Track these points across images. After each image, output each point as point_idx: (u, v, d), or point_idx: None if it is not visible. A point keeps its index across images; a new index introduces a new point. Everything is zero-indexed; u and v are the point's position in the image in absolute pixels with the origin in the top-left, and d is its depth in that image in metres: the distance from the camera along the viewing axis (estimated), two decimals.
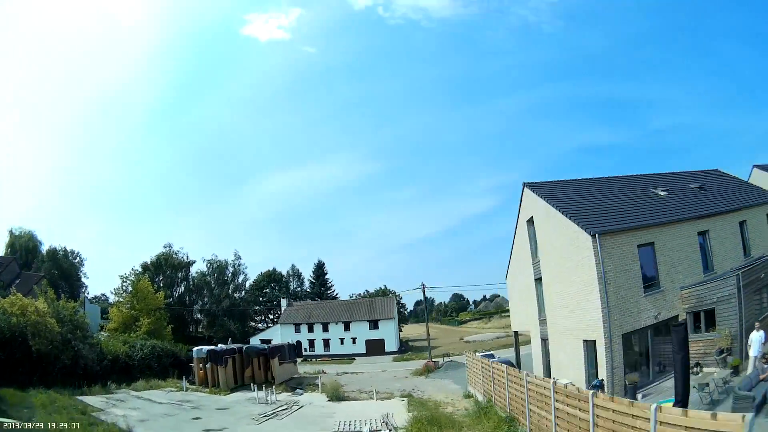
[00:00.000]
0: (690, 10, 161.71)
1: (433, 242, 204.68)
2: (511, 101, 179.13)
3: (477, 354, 27.93)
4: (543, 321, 28.24)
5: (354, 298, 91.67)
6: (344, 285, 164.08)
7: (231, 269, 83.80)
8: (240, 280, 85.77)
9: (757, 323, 17.94)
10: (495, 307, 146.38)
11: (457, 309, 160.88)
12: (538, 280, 28.82)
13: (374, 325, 71.32)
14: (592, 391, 11.24)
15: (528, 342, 45.86)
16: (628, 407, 9.59)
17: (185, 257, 79.51)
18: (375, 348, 68.82)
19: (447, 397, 26.99)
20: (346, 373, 47.18)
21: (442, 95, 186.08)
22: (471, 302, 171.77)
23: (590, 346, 21.80)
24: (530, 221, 29.60)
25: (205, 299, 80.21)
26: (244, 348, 35.62)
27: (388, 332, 71.36)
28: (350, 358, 65.17)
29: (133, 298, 52.14)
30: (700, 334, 21.51)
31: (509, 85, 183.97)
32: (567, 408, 12.18)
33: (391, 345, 70.31)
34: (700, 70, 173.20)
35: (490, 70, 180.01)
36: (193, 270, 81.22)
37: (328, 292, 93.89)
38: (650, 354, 21.64)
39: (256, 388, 27.58)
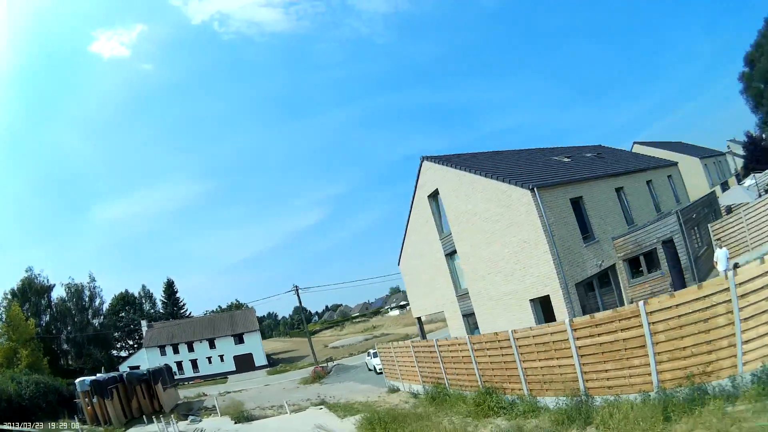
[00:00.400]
0: (529, 14, 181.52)
1: (271, 256, 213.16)
2: (340, 113, 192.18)
3: (409, 341, 26.07)
4: (463, 296, 27.16)
5: (209, 314, 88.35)
6: (194, 304, 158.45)
7: (88, 293, 78.55)
8: (97, 304, 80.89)
9: (718, 241, 19.69)
10: (340, 315, 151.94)
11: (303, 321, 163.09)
12: (451, 255, 27.89)
13: (239, 339, 68.84)
14: (641, 302, 10.09)
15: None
16: (696, 292, 9.13)
17: (46, 280, 73.44)
18: (244, 364, 66.04)
19: (369, 396, 25.13)
20: (229, 392, 42.94)
21: (272, 110, 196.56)
22: (314, 314, 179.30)
23: (540, 303, 21.30)
24: (433, 196, 28.56)
25: (69, 327, 74.15)
26: (125, 375, 30.94)
27: (255, 346, 69.30)
28: (222, 377, 61.59)
29: (9, 328, 48.87)
30: (643, 277, 22.33)
31: (339, 98, 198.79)
32: (599, 338, 10.99)
33: (260, 359, 68.22)
34: (541, 72, 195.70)
35: (320, 83, 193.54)
36: (54, 296, 75.30)
37: (181, 311, 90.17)
38: (599, 304, 21.67)
39: (155, 420, 24.40)
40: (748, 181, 33.45)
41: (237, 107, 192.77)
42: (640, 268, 22.55)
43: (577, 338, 11.49)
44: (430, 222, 29.13)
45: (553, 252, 19.74)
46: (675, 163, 35.49)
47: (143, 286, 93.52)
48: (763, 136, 50.70)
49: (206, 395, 41.20)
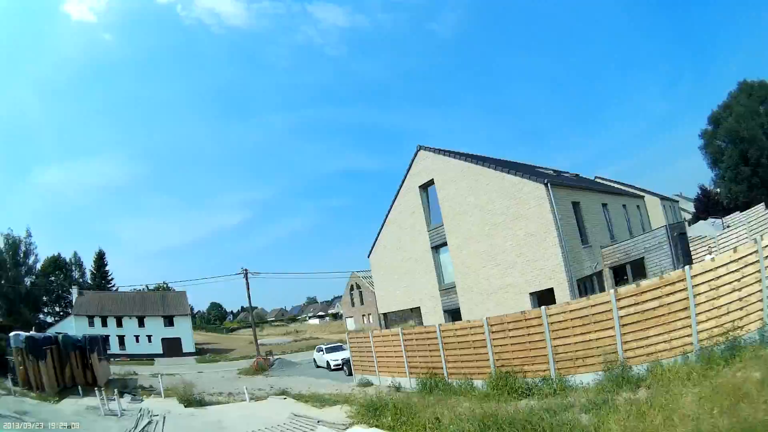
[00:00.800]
0: (478, 50, 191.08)
1: (193, 249, 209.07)
2: (278, 118, 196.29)
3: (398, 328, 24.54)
4: (448, 290, 28.14)
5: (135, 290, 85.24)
6: (119, 282, 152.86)
7: (24, 248, 76.82)
8: (31, 261, 79.50)
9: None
10: (256, 318, 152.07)
11: (219, 317, 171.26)
12: (438, 248, 28.99)
13: (169, 321, 67.97)
14: (687, 266, 12.06)
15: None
16: (732, 255, 11.28)
17: None
18: (172, 348, 64.63)
19: (338, 389, 23.59)
20: (162, 374, 41.74)
21: (215, 104, 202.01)
22: (230, 312, 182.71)
23: (539, 297, 22.82)
24: (425, 187, 29.68)
25: (2, 281, 71.71)
26: (60, 338, 28.54)
27: (185, 331, 68.82)
28: (149, 358, 59.24)
29: None
30: (629, 285, 24.47)
31: (279, 103, 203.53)
32: (644, 305, 12.68)
33: (188, 345, 67.65)
34: (483, 108, 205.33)
35: (264, 86, 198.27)
36: None
37: (109, 285, 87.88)
38: None
39: (96, 392, 23.00)
40: (711, 220, 37.82)
41: (186, 95, 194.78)
42: (625, 277, 25.10)
43: (620, 308, 13.12)
44: (417, 213, 30.11)
45: (562, 246, 21.69)
46: (642, 196, 39.53)
47: (75, 253, 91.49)
48: (718, 190, 56.31)
49: (137, 374, 40.01)
